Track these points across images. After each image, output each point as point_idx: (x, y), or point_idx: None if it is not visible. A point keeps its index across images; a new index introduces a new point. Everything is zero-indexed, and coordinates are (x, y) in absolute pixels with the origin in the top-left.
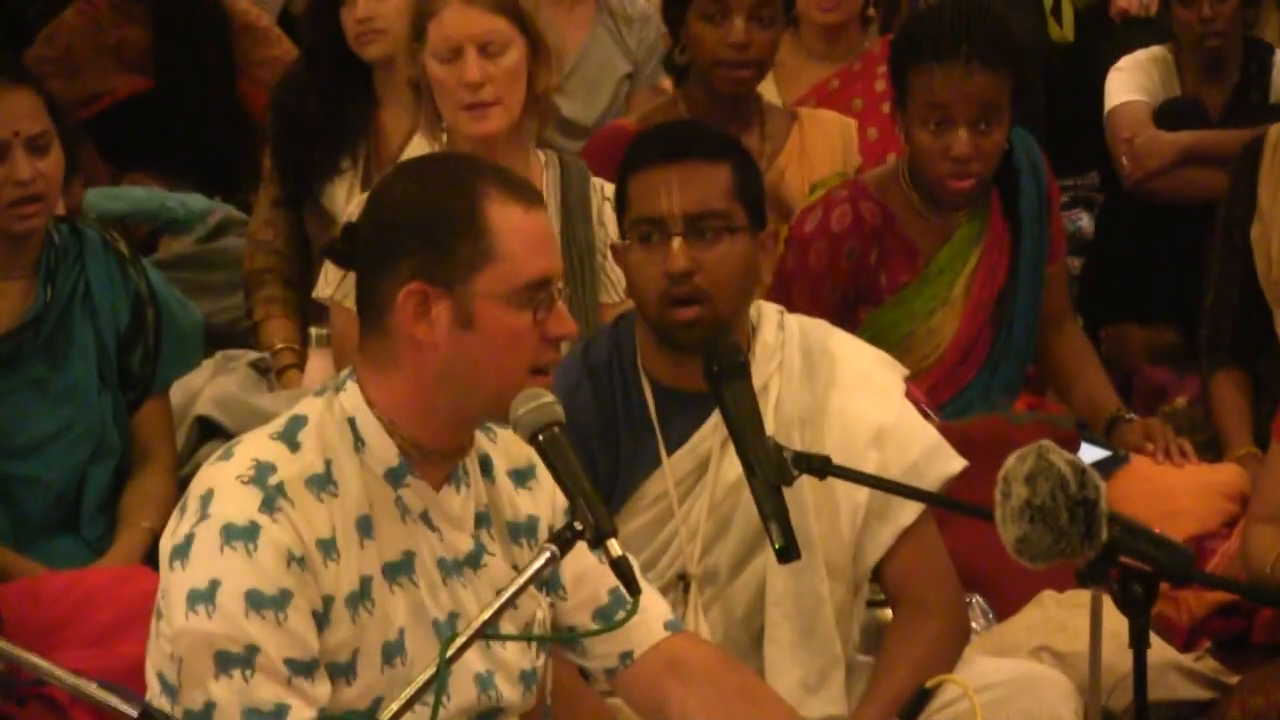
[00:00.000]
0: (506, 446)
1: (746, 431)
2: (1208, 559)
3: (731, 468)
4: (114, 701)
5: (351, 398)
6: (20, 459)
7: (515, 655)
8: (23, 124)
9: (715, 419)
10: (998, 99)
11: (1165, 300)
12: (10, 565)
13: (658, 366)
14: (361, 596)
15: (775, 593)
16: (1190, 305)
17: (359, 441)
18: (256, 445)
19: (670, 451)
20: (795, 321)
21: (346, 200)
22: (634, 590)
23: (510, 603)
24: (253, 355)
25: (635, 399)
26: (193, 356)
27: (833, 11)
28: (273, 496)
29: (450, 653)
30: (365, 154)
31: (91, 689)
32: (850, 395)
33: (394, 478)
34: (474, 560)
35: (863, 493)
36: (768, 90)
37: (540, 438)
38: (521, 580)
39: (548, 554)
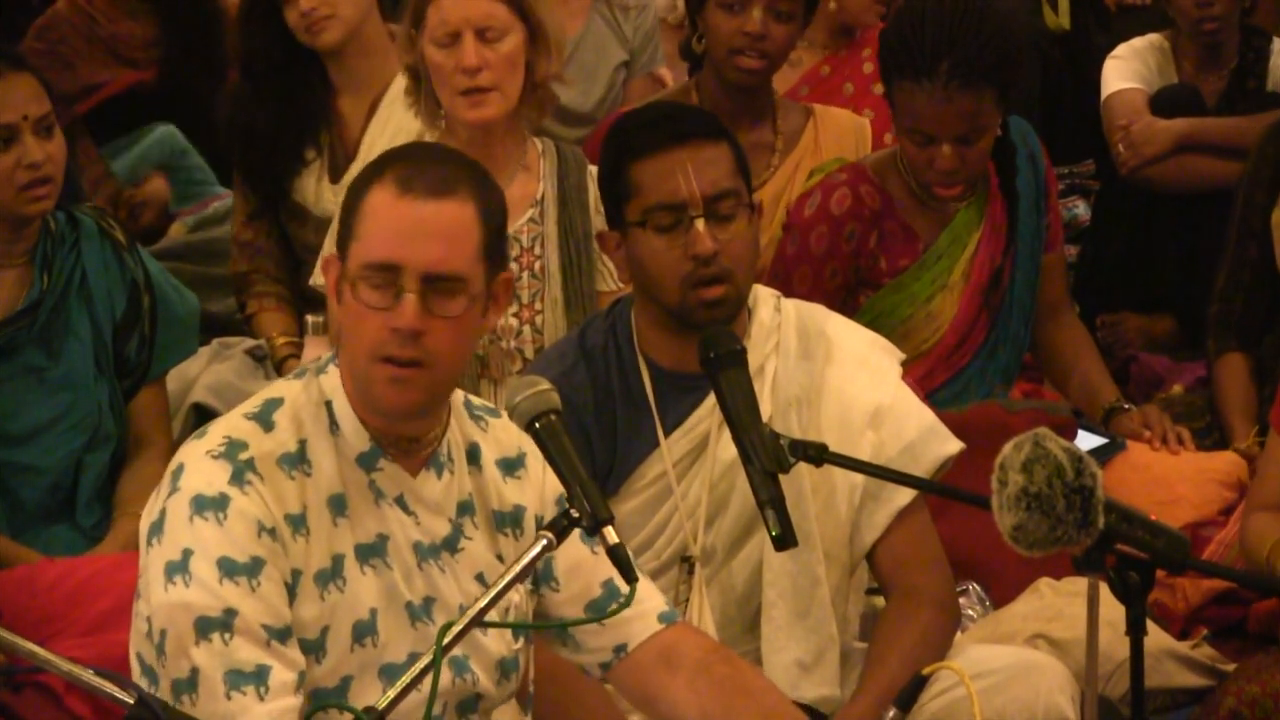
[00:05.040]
0: (496, 436)
1: (743, 418)
2: (1204, 547)
3: (729, 447)
4: (109, 689)
5: (331, 381)
6: (16, 447)
7: (493, 642)
8: (30, 107)
9: (713, 399)
10: (981, 114)
11: (1161, 288)
12: (6, 553)
13: (656, 349)
14: (333, 574)
15: (772, 572)
16: (1187, 293)
17: (334, 425)
18: (229, 424)
19: (668, 432)
20: (792, 305)
21: (315, 190)
22: (630, 577)
23: (507, 590)
24: (249, 343)
25: (633, 381)
26: (189, 344)
27: None
28: (242, 470)
29: (447, 640)
30: (329, 143)
31: (87, 676)
32: (847, 376)
33: (366, 462)
34: (451, 544)
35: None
36: None
37: (537, 425)
38: (518, 567)
39: (544, 542)
